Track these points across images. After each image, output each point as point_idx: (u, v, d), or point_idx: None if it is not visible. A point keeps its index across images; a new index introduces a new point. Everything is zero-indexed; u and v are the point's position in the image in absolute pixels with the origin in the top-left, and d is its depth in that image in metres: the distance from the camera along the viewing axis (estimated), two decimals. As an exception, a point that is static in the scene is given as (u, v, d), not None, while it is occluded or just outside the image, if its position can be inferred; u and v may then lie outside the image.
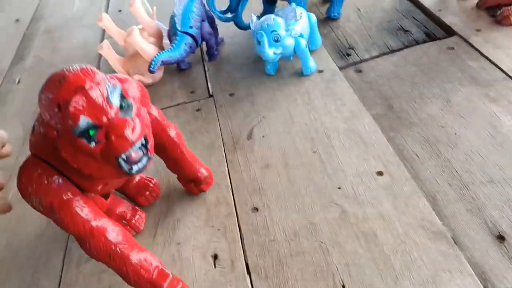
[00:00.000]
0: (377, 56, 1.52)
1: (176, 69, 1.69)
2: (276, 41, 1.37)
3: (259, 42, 1.37)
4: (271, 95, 1.45)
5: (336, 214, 1.05)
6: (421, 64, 1.43)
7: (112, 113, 0.69)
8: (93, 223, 0.82)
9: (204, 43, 1.66)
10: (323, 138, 1.25)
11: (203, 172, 1.13)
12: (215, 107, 1.46)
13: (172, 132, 1.01)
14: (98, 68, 1.84)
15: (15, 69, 1.98)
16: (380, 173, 1.12)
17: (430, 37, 1.54)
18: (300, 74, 1.50)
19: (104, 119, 0.68)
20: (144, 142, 0.74)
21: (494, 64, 1.35)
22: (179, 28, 1.52)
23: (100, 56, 1.92)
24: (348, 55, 1.56)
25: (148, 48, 1.53)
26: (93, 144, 0.69)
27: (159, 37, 1.65)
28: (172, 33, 1.56)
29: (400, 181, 1.09)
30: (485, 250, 0.92)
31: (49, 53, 2.04)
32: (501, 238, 0.93)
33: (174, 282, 0.90)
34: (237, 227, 1.08)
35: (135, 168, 0.73)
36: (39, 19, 2.41)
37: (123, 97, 0.72)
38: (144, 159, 0.75)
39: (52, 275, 1.08)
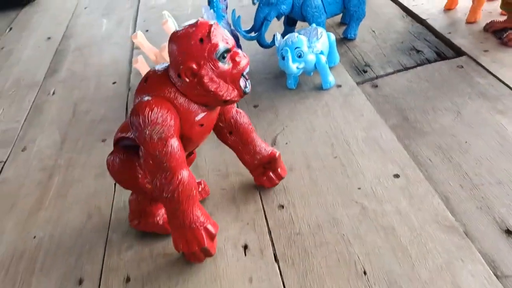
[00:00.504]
0: (392, 73, 1.64)
1: (203, 82, 1.82)
2: (299, 56, 1.49)
3: (283, 58, 1.50)
4: (292, 107, 1.57)
5: (356, 210, 1.15)
6: (433, 80, 1.55)
7: (233, 42, 0.98)
8: (185, 164, 1.00)
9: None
10: (343, 145, 1.36)
11: (274, 149, 1.23)
12: (241, 117, 1.58)
13: (239, 110, 1.18)
14: (129, 81, 1.97)
15: (49, 82, 2.12)
16: (396, 176, 1.22)
17: (441, 57, 1.66)
18: (320, 88, 1.62)
19: (231, 44, 0.96)
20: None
21: (501, 81, 1.47)
22: (209, 44, 1.65)
23: (130, 70, 2.06)
24: (365, 71, 1.68)
25: (179, 62, 1.66)
26: (226, 65, 0.96)
27: (188, 53, 1.78)
28: (202, 49, 1.68)
29: (415, 182, 1.19)
30: (494, 242, 1.01)
31: (81, 68, 2.18)
32: (509, 232, 1.02)
33: (217, 232, 1.06)
34: (265, 222, 1.18)
35: (247, 89, 1.00)
36: (69, 37, 2.57)
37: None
38: (248, 84, 1.01)
39: (94, 261, 1.18)
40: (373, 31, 1.92)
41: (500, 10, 1.79)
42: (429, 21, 1.87)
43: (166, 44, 1.66)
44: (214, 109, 1.07)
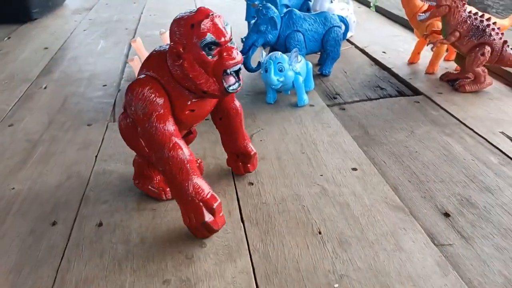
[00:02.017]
0: (358, 101, 1.85)
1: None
2: (280, 71, 1.69)
3: (266, 70, 1.70)
4: (269, 116, 1.74)
5: (317, 190, 1.28)
6: (393, 109, 1.76)
7: (227, 37, 0.98)
8: (176, 139, 1.03)
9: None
10: (311, 145, 1.52)
11: (253, 148, 1.32)
12: (221, 119, 1.73)
13: (237, 102, 1.25)
14: (119, 85, 2.12)
15: (43, 79, 2.24)
16: (354, 169, 1.38)
17: (401, 94, 1.90)
18: (295, 105, 1.81)
19: (222, 39, 0.96)
20: (238, 69, 1.00)
21: (451, 114, 1.69)
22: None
23: (121, 77, 2.21)
24: (335, 98, 1.89)
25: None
26: (210, 57, 0.96)
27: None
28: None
29: (370, 175, 1.35)
30: (434, 221, 1.16)
31: (75, 72, 2.33)
32: (447, 215, 1.18)
33: (220, 206, 1.07)
34: (235, 192, 1.29)
35: (231, 88, 1.00)
36: (66, 49, 2.73)
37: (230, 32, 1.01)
38: (236, 84, 1.01)
39: (70, 209, 1.25)
40: (345, 72, 2.17)
41: (454, 67, 2.07)
42: (394, 70, 2.14)
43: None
44: (206, 99, 1.10)
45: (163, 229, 1.15)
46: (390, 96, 1.89)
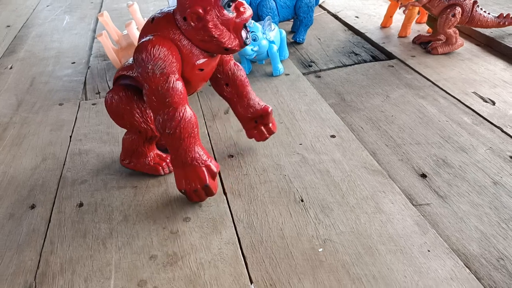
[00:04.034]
0: (333, 68, 1.85)
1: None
2: (254, 40, 1.67)
3: (239, 40, 1.67)
4: (245, 87, 1.72)
5: (297, 159, 1.29)
6: (368, 74, 1.77)
7: None
8: (187, 104, 1.04)
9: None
10: (288, 114, 1.52)
11: (267, 104, 1.28)
12: (197, 93, 1.71)
13: (242, 70, 1.24)
14: (88, 62, 2.06)
15: (7, 59, 2.15)
16: (333, 136, 1.39)
17: (375, 59, 1.91)
18: (270, 75, 1.79)
19: None
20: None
21: (424, 76, 1.72)
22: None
23: (90, 53, 2.15)
24: (310, 66, 1.88)
25: (142, 40, 1.78)
26: (231, 13, 0.99)
27: (150, 37, 1.92)
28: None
29: (348, 141, 1.36)
30: (411, 182, 1.18)
31: (41, 50, 2.24)
32: (423, 176, 1.21)
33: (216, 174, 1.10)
34: (215, 165, 1.29)
35: (248, 40, 1.04)
36: (30, 26, 2.62)
37: None
38: (249, 35, 1.06)
39: (47, 192, 1.23)
40: (319, 39, 2.15)
41: (426, 29, 2.09)
42: (367, 34, 2.14)
43: (132, 21, 1.79)
44: (215, 56, 1.10)
45: (146, 206, 1.15)
46: (365, 61, 1.89)
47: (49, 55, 2.17)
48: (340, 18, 2.39)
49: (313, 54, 2.00)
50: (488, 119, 1.42)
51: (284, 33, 1.85)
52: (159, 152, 1.27)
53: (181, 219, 1.10)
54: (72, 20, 2.69)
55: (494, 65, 1.77)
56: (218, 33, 0.99)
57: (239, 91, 1.24)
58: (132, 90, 1.14)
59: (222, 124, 1.50)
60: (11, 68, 2.04)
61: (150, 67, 0.99)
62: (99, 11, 2.81)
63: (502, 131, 1.36)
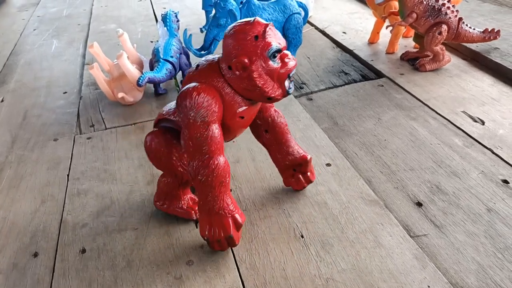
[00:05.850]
0: (324, 89, 1.88)
1: (154, 94, 1.96)
2: (245, 68, 1.68)
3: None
4: (238, 113, 1.74)
5: (295, 191, 1.31)
6: (358, 95, 1.80)
7: (283, 44, 1.02)
8: (222, 154, 1.05)
9: (180, 72, 1.95)
10: (283, 142, 1.54)
11: (306, 152, 1.28)
12: (191, 121, 1.72)
13: (282, 118, 1.24)
14: (80, 91, 2.06)
15: (-3, 91, 2.15)
16: (328, 165, 1.41)
17: (365, 78, 1.94)
18: (262, 99, 1.81)
19: (282, 45, 1.01)
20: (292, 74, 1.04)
21: (414, 96, 1.75)
22: (162, 56, 1.81)
23: (81, 82, 2.15)
24: (301, 88, 1.91)
25: (133, 70, 1.79)
26: (275, 64, 1.00)
27: (140, 64, 1.93)
28: (155, 61, 1.84)
29: (343, 169, 1.38)
30: (408, 212, 1.21)
31: (31, 79, 2.24)
32: (419, 204, 1.23)
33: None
34: (214, 202, 1.30)
35: (291, 89, 1.05)
36: (19, 53, 2.61)
37: None
38: (292, 84, 1.05)
39: (49, 238, 1.23)
40: (308, 57, 2.18)
41: (413, 44, 2.12)
42: (355, 51, 2.17)
43: (123, 52, 1.80)
44: (256, 104, 1.11)
45: (148, 250, 1.16)
46: (355, 81, 1.92)
47: (40, 85, 2.16)
48: (328, 35, 2.41)
49: (304, 74, 2.02)
50: (479, 140, 1.45)
51: (274, 56, 1.87)
52: (193, 196, 1.27)
53: (184, 263, 1.11)
54: (60, 45, 2.69)
55: (482, 81, 1.81)
56: (262, 82, 1.00)
57: (279, 138, 1.24)
58: (171, 134, 1.14)
59: (218, 155, 1.51)
60: (2, 101, 2.04)
61: (192, 114, 1.01)
62: (87, 34, 2.81)
63: (493, 152, 1.39)
